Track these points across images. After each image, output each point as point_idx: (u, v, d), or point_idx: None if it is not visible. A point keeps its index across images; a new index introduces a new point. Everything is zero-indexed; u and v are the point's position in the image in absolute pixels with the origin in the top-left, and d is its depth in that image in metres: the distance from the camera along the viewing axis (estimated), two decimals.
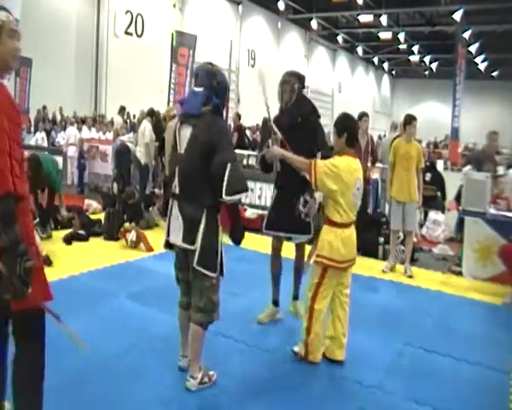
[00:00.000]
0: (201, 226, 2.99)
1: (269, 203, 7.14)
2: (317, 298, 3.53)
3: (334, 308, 3.64)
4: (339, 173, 3.38)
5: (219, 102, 3.10)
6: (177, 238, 3.08)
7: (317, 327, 3.56)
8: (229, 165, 2.87)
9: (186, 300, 3.23)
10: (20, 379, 2.24)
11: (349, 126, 3.53)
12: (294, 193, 4.01)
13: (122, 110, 12.82)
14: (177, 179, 3.09)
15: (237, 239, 3.14)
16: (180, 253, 3.16)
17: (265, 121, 4.07)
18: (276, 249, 4.27)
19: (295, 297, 4.40)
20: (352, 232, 3.55)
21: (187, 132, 3.06)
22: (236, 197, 2.92)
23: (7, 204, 2.02)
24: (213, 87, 3.06)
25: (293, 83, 4.06)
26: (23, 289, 2.08)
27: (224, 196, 2.87)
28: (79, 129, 11.83)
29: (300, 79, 4.12)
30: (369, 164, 6.85)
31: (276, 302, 4.32)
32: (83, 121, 12.88)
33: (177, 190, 3.09)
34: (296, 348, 3.67)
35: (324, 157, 3.82)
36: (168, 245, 3.22)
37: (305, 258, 4.00)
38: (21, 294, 2.08)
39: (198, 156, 2.98)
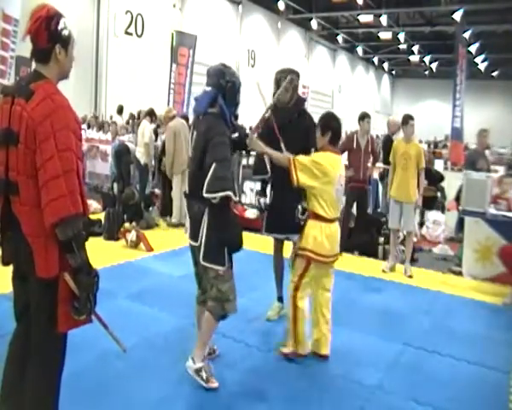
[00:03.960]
0: (203, 223, 3.08)
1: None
2: (298, 292, 3.59)
3: (317, 307, 3.71)
4: (321, 169, 3.43)
5: (226, 103, 3.12)
6: (188, 235, 3.27)
7: (303, 322, 3.61)
8: (214, 164, 2.93)
9: (201, 294, 3.36)
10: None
11: (333, 126, 3.60)
12: (289, 194, 3.94)
13: (121, 110, 12.79)
14: (186, 179, 3.29)
15: (229, 245, 3.10)
16: (191, 249, 3.30)
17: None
18: (278, 249, 4.35)
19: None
20: (336, 229, 3.59)
21: (194, 135, 3.21)
22: (216, 195, 2.92)
23: (78, 225, 2.03)
24: (221, 86, 3.10)
25: (295, 82, 4.04)
26: (93, 308, 2.11)
27: (204, 193, 2.95)
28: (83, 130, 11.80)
29: (298, 76, 4.14)
30: (369, 164, 6.85)
31: (280, 299, 4.40)
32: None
33: (186, 190, 3.28)
34: (285, 350, 3.68)
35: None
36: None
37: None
38: (91, 313, 2.13)
39: (198, 157, 3.09)
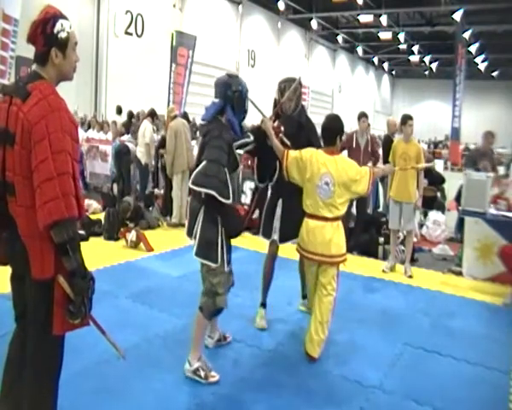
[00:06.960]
0: (198, 220, 3.17)
1: None
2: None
3: (314, 304, 3.73)
4: (302, 163, 3.60)
5: (235, 112, 3.24)
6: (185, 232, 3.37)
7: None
8: (205, 162, 3.05)
9: None
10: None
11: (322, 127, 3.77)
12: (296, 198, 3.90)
13: (120, 110, 12.75)
14: (187, 179, 3.45)
15: (227, 227, 3.15)
16: None
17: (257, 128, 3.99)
18: (274, 254, 4.21)
19: (305, 296, 4.42)
20: (317, 226, 3.59)
21: (200, 140, 3.38)
22: (199, 189, 3.02)
23: (73, 228, 2.02)
24: (229, 97, 3.22)
25: (299, 91, 4.02)
26: (88, 311, 2.10)
27: (189, 184, 3.09)
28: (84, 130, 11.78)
29: (301, 84, 4.09)
30: (369, 164, 6.84)
31: (264, 305, 4.29)
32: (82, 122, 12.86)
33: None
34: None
35: None
36: None
37: None
38: (86, 316, 2.11)
39: (199, 159, 3.23)
